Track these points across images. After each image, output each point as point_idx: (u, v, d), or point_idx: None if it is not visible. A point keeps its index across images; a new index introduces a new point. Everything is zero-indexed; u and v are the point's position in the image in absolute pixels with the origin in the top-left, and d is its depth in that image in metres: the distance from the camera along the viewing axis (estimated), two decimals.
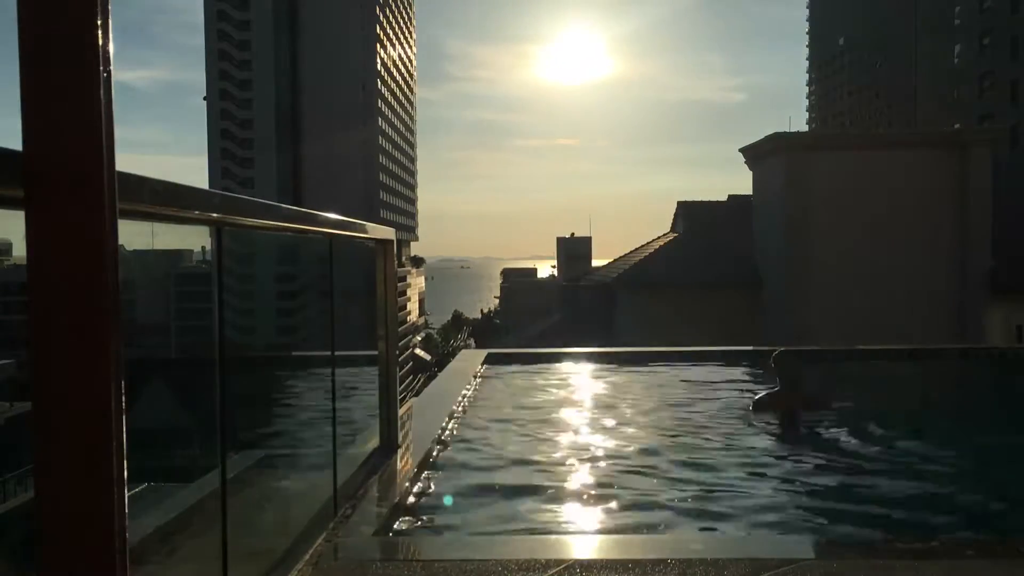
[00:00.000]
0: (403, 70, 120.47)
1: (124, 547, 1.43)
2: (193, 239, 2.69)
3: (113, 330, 1.41)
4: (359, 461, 4.90)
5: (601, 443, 6.40)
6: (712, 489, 5.10)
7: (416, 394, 8.34)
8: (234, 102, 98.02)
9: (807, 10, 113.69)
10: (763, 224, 22.49)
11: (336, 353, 4.19)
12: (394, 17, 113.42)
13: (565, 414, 7.47)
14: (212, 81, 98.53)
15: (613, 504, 4.81)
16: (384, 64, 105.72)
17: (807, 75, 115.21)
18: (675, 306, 21.28)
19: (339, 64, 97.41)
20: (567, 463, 5.68)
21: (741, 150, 23.31)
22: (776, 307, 20.89)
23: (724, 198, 29.04)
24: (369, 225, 4.98)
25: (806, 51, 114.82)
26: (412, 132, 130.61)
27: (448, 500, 4.93)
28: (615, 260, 30.29)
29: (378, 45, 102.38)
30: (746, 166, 23.46)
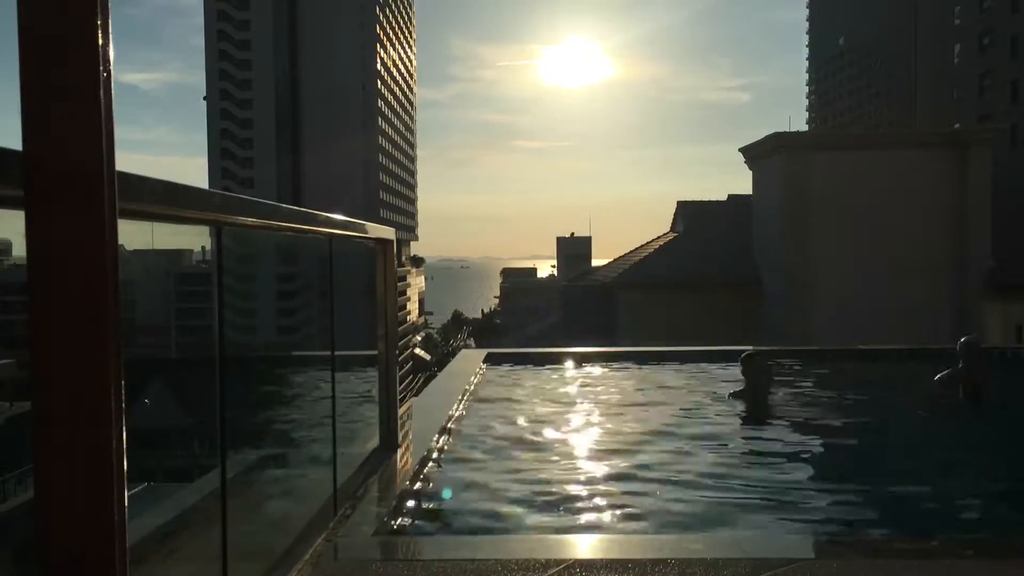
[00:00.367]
0: (403, 70, 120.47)
1: (124, 547, 1.43)
2: (193, 239, 2.69)
3: (113, 330, 1.41)
4: (359, 461, 4.90)
5: (601, 442, 6.40)
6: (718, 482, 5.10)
7: (416, 394, 8.34)
8: (234, 102, 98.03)
9: (807, 10, 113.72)
10: (763, 224, 22.49)
11: (336, 353, 4.19)
12: (394, 18, 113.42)
13: (565, 414, 7.47)
14: (212, 81, 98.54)
15: (614, 504, 4.81)
16: (384, 64, 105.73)
17: (807, 75, 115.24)
18: (675, 306, 21.27)
19: (339, 64, 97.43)
20: (567, 463, 5.68)
21: (741, 150, 23.31)
22: (775, 307, 20.89)
23: (724, 198, 29.06)
24: (369, 225, 4.98)
25: (806, 51, 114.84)
26: (412, 132, 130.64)
27: (447, 493, 4.96)
28: (615, 260, 30.29)
29: (378, 45, 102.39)
30: (746, 166, 23.47)
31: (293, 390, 4.18)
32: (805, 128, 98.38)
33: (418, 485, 4.90)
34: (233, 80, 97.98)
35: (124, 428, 1.43)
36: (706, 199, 30.90)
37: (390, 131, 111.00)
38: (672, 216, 29.55)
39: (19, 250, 1.43)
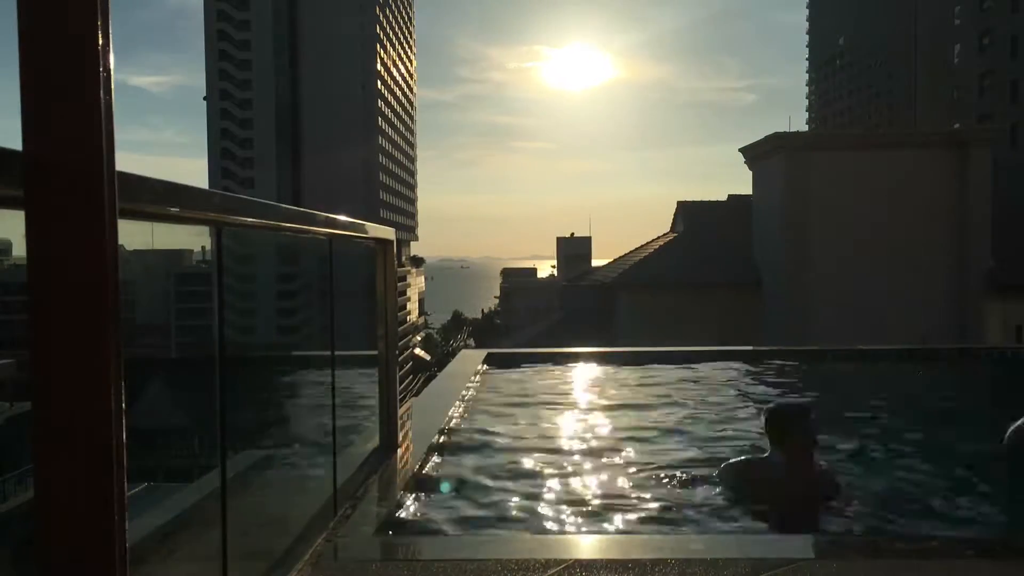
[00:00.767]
0: (403, 71, 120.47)
1: (124, 547, 1.43)
2: (193, 239, 2.69)
3: (113, 330, 1.41)
4: (359, 461, 4.90)
5: (601, 442, 6.40)
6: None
7: (416, 394, 8.34)
8: (234, 102, 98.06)
9: (807, 10, 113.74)
10: (763, 224, 22.49)
11: (336, 353, 4.19)
12: (394, 18, 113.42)
13: (565, 414, 7.47)
14: (212, 81, 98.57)
15: (614, 504, 4.81)
16: (384, 64, 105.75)
17: (807, 75, 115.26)
18: (675, 306, 21.28)
19: (339, 65, 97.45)
20: (568, 463, 5.68)
21: (741, 150, 23.32)
22: (776, 307, 20.89)
23: (724, 198, 29.07)
24: (369, 225, 4.98)
25: (806, 51, 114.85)
26: (412, 132, 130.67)
27: (446, 487, 4.97)
28: (615, 260, 30.30)
29: (378, 46, 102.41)
30: (746, 166, 23.46)
31: (293, 390, 4.18)
32: (805, 128, 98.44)
33: (418, 485, 4.90)
34: (233, 80, 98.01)
35: (124, 428, 1.43)
36: (706, 199, 30.90)
37: (390, 131, 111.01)
38: (672, 216, 29.57)
39: (19, 250, 1.43)
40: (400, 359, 5.65)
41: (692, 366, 10.08)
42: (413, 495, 4.71)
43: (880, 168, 19.89)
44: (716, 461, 5.77)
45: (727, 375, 9.76)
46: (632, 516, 4.62)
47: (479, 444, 6.14)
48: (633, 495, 4.95)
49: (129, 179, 1.78)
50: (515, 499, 4.83)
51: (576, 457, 5.87)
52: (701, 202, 28.43)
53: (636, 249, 29.07)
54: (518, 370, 9.91)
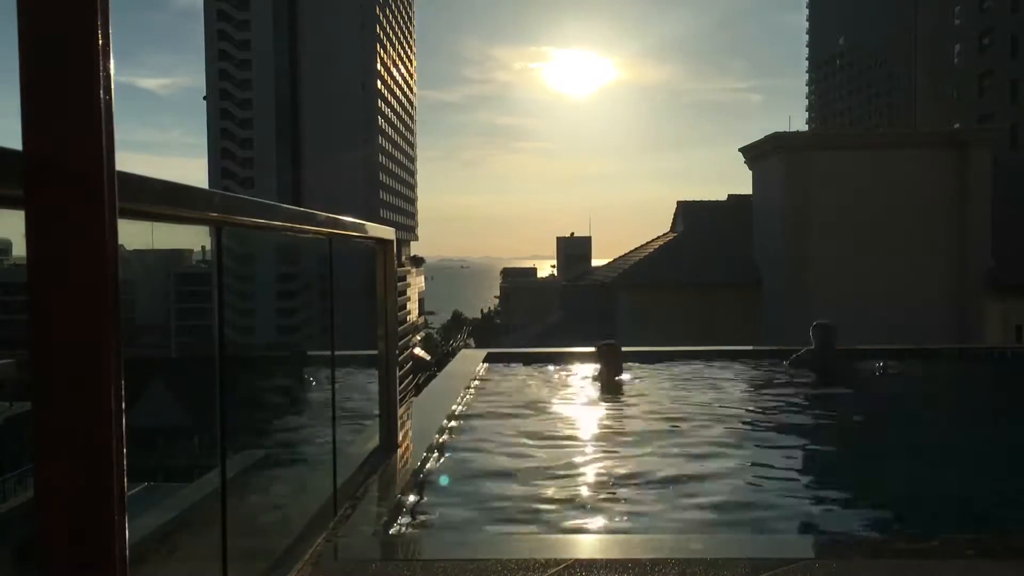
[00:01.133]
0: (403, 70, 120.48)
1: (124, 547, 1.43)
2: (193, 239, 2.69)
3: (113, 330, 1.41)
4: (359, 461, 4.90)
5: (601, 442, 6.40)
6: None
7: (416, 394, 8.34)
8: (234, 102, 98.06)
9: (807, 10, 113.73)
10: (763, 224, 22.49)
11: (336, 353, 4.19)
12: (394, 18, 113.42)
13: (565, 413, 7.47)
14: (212, 81, 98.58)
15: (613, 504, 4.81)
16: (384, 64, 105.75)
17: (807, 75, 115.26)
18: (675, 306, 21.27)
19: (339, 64, 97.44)
20: (567, 462, 5.68)
21: (741, 150, 23.30)
22: (775, 306, 20.88)
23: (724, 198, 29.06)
24: (369, 225, 4.98)
25: (806, 51, 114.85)
26: (412, 132, 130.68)
27: (444, 480, 4.97)
28: (615, 260, 30.28)
29: (378, 45, 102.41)
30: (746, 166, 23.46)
31: (293, 390, 4.18)
32: (805, 128, 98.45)
33: (418, 485, 4.90)
34: (233, 80, 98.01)
35: (124, 428, 1.43)
36: (707, 199, 30.90)
37: (390, 131, 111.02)
38: (672, 216, 29.55)
39: (19, 250, 1.43)
40: (400, 359, 5.65)
41: (692, 366, 10.08)
42: (413, 495, 4.71)
43: (880, 168, 19.87)
44: (715, 460, 5.78)
45: (727, 375, 9.77)
46: (632, 515, 4.62)
47: (479, 444, 6.15)
48: (633, 494, 4.95)
49: (129, 179, 1.78)
50: (515, 498, 4.83)
51: (576, 456, 5.87)
52: (701, 202, 28.41)
53: (636, 249, 29.05)
54: (518, 370, 9.91)
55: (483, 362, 9.92)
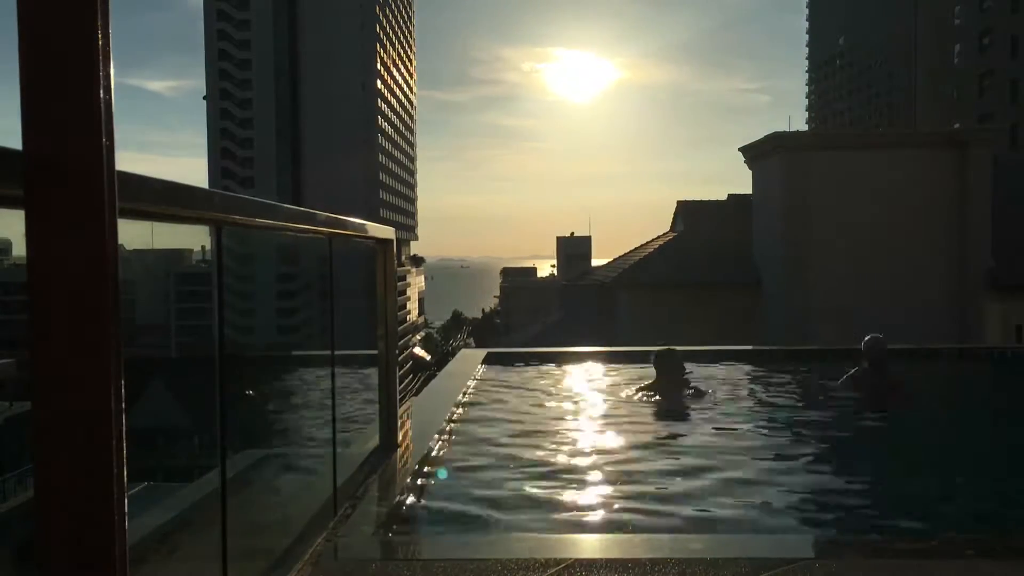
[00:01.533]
0: (403, 70, 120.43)
1: (124, 547, 1.43)
2: (193, 239, 2.69)
3: (113, 330, 1.41)
4: (359, 461, 4.90)
5: (600, 442, 6.39)
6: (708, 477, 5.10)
7: (416, 394, 8.34)
8: (234, 102, 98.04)
9: (807, 10, 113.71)
10: (762, 223, 22.48)
11: (336, 353, 4.19)
12: (394, 18, 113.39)
13: (565, 413, 7.47)
14: (212, 81, 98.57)
15: (612, 505, 4.81)
16: (384, 64, 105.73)
17: (806, 75, 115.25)
18: (674, 305, 21.27)
19: (339, 64, 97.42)
20: (567, 462, 5.68)
21: (741, 149, 23.29)
22: (775, 306, 20.88)
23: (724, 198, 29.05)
24: (369, 225, 4.98)
25: (806, 51, 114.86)
26: (412, 132, 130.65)
27: (443, 473, 4.96)
28: (615, 260, 30.27)
29: (378, 45, 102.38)
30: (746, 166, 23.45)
31: (293, 390, 4.18)
32: (805, 128, 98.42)
33: (418, 485, 4.90)
34: (233, 80, 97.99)
35: (124, 428, 1.43)
36: (707, 199, 30.88)
37: (390, 130, 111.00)
38: (672, 216, 29.55)
39: (19, 250, 1.43)
40: (400, 359, 5.65)
41: (692, 366, 10.07)
42: (413, 495, 4.71)
43: (880, 168, 19.87)
44: (715, 460, 5.78)
45: (727, 374, 9.76)
46: (632, 515, 4.62)
47: (479, 444, 6.14)
48: (632, 494, 4.95)
49: (129, 179, 1.78)
50: (515, 498, 4.83)
51: (576, 456, 5.87)
52: (701, 202, 28.41)
53: (636, 249, 29.03)
54: (518, 369, 9.91)
55: (483, 362, 9.92)
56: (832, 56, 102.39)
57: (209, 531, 2.65)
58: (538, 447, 6.12)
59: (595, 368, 10.14)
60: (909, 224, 19.54)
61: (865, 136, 36.38)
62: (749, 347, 12.05)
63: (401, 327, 5.67)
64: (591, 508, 4.76)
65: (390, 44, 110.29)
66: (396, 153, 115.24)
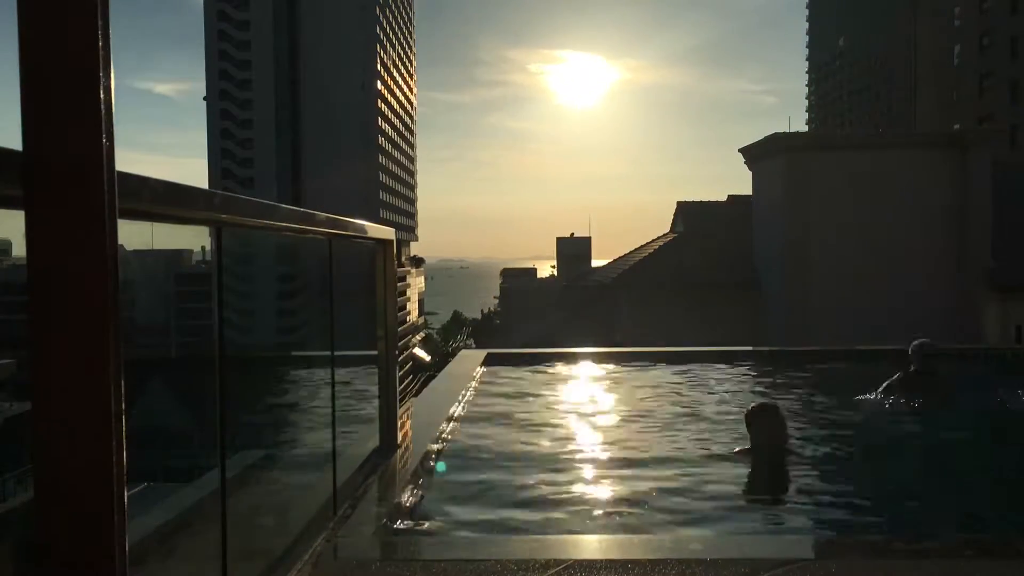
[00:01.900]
0: (403, 70, 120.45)
1: (124, 547, 1.43)
2: (193, 239, 2.69)
3: (113, 330, 1.41)
4: (359, 461, 4.90)
5: (600, 442, 6.40)
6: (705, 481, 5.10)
7: (416, 394, 8.35)
8: (234, 102, 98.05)
9: (807, 10, 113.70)
10: (762, 224, 22.49)
11: (336, 353, 4.19)
12: (394, 18, 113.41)
13: (564, 414, 7.47)
14: (212, 81, 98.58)
15: (611, 505, 4.81)
16: (384, 64, 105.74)
17: (807, 75, 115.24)
18: (674, 306, 21.27)
19: (339, 64, 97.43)
20: (566, 462, 5.68)
21: (741, 150, 23.30)
22: (775, 307, 20.88)
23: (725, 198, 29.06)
24: (369, 225, 4.98)
25: (806, 51, 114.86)
26: (412, 132, 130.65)
27: (441, 467, 4.95)
28: (614, 260, 30.27)
29: (378, 45, 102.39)
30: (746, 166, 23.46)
31: (293, 390, 4.18)
32: (805, 129, 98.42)
33: (418, 485, 4.90)
34: (233, 80, 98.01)
35: (124, 428, 1.43)
36: (707, 199, 30.92)
37: (390, 131, 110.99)
38: (672, 216, 29.55)
39: (19, 250, 1.43)
40: (400, 359, 5.65)
41: (692, 366, 10.08)
42: (413, 495, 4.71)
43: (880, 168, 19.88)
44: (714, 459, 5.78)
45: (727, 375, 9.76)
46: (631, 515, 4.62)
47: (479, 444, 6.15)
48: (632, 494, 4.95)
49: (129, 179, 1.78)
50: (515, 499, 4.83)
51: (576, 457, 5.87)
52: (701, 202, 28.43)
53: (636, 249, 29.04)
54: (517, 370, 9.91)
55: (483, 363, 9.92)
56: (832, 57, 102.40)
57: (209, 531, 2.65)
58: (538, 447, 6.12)
59: (595, 369, 10.14)
60: (909, 224, 19.55)
61: (865, 137, 36.40)
62: (749, 347, 12.05)
63: (401, 328, 5.67)
64: (591, 508, 4.76)
65: (390, 44, 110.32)
66: (396, 154, 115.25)
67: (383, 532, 4.04)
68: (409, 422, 6.13)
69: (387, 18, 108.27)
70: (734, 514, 4.66)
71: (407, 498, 4.61)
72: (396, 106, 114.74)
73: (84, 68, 1.39)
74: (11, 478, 2.00)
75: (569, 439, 6.49)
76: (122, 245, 1.47)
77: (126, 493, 1.44)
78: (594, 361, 10.45)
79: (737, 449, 5.89)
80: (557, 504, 4.78)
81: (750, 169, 23.28)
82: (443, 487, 5.07)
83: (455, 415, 6.93)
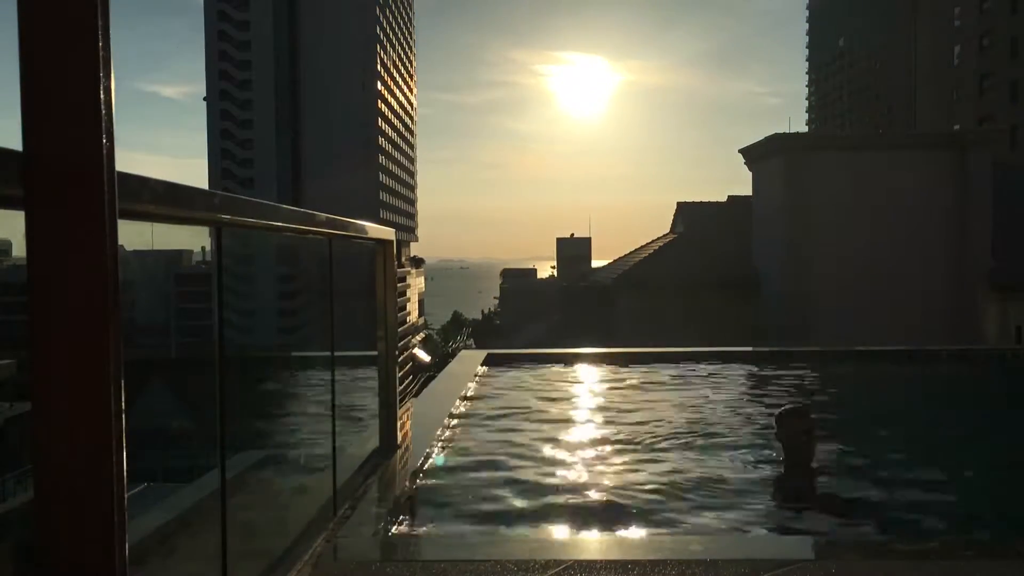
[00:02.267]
0: (403, 71, 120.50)
1: (124, 547, 1.43)
2: (193, 239, 2.69)
3: (113, 330, 1.41)
4: (359, 461, 4.90)
5: (600, 442, 6.39)
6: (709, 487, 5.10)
7: (415, 394, 8.35)
8: (234, 103, 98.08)
9: (807, 11, 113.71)
10: (762, 225, 22.50)
11: (336, 353, 4.19)
12: (394, 18, 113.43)
13: (564, 414, 7.47)
14: (212, 81, 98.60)
15: (611, 505, 4.81)
16: (384, 65, 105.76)
17: (807, 76, 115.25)
18: (674, 307, 21.27)
19: (339, 64, 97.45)
20: (567, 463, 5.68)
21: (741, 151, 23.32)
22: (775, 308, 20.89)
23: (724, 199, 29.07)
24: (369, 225, 4.98)
25: (806, 52, 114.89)
26: (412, 132, 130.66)
27: (442, 474, 4.96)
28: (615, 261, 30.29)
29: (378, 46, 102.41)
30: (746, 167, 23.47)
31: (293, 390, 4.18)
32: (805, 129, 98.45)
33: (418, 485, 4.90)
34: (233, 81, 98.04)
35: (124, 428, 1.43)
36: (707, 200, 30.91)
37: (390, 131, 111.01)
38: (672, 217, 29.56)
39: (19, 250, 1.43)
40: (400, 359, 5.65)
41: (692, 367, 10.08)
42: (413, 495, 4.71)
43: (880, 168, 19.89)
44: (714, 461, 5.77)
45: (727, 375, 9.76)
46: (630, 516, 4.62)
47: (479, 444, 6.15)
48: (632, 494, 4.95)
49: (129, 179, 1.78)
50: (515, 499, 4.83)
51: (575, 457, 5.87)
52: (701, 203, 28.44)
53: (636, 250, 29.06)
54: (517, 370, 9.91)
55: (483, 363, 9.92)
56: (832, 57, 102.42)
57: (209, 531, 2.65)
58: (538, 448, 6.12)
59: (595, 369, 10.14)
60: (909, 225, 19.56)
61: (865, 137, 36.42)
62: (749, 348, 12.05)
63: (401, 327, 5.67)
64: (592, 509, 4.76)
65: (390, 44, 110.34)
66: (396, 154, 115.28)
67: (383, 532, 4.04)
68: (409, 422, 6.13)
69: (387, 18, 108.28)
70: (734, 514, 4.65)
71: (407, 498, 4.61)
72: (396, 106, 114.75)
73: (84, 68, 1.39)
74: (11, 478, 2.00)
75: (569, 439, 6.49)
76: (122, 245, 1.47)
77: (126, 493, 1.44)
78: (594, 361, 10.45)
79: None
80: (557, 504, 4.78)
81: (750, 170, 23.30)
82: (443, 487, 5.07)
83: (455, 416, 6.93)
